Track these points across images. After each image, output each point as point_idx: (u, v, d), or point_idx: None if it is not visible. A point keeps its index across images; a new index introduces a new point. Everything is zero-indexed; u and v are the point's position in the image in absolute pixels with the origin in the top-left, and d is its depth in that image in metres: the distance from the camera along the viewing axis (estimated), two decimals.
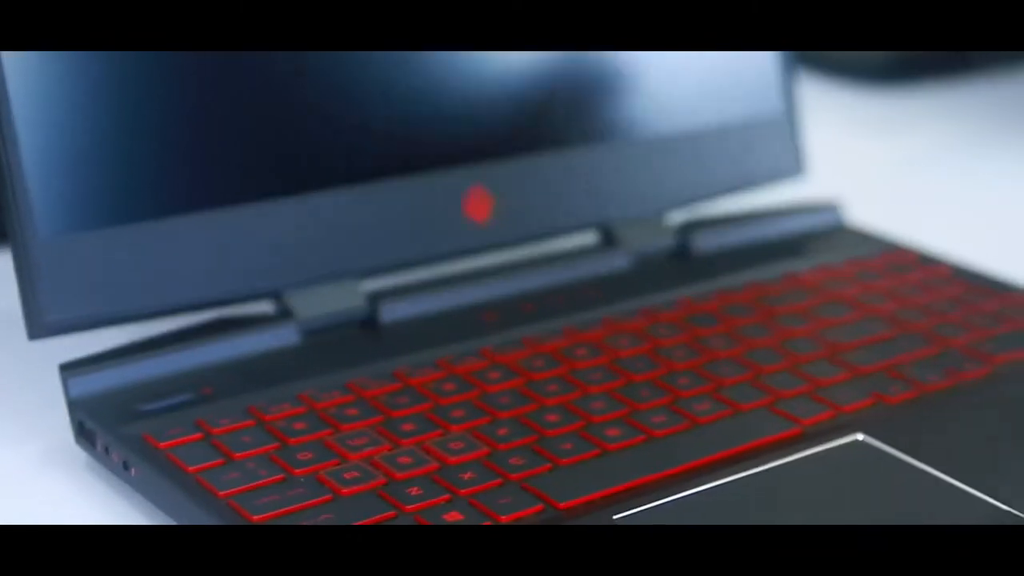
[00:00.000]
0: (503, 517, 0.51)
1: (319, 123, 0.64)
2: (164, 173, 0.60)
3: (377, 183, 0.65)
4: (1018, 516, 0.52)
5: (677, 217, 0.74)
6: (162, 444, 0.55)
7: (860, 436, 0.57)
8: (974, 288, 0.69)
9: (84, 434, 0.57)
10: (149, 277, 0.60)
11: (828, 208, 0.76)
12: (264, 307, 0.63)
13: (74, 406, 0.57)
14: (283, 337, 0.62)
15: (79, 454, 0.58)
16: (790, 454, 0.55)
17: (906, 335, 0.65)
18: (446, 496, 0.52)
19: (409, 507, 0.51)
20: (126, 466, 0.55)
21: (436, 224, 0.66)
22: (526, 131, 0.69)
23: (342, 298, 0.64)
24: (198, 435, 0.55)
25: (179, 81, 0.60)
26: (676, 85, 0.73)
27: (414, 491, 0.52)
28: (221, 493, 0.52)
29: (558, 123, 0.70)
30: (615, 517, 0.51)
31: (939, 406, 0.59)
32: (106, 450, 0.56)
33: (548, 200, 0.69)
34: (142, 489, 0.55)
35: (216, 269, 0.61)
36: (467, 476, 0.53)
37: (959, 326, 0.65)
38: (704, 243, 0.72)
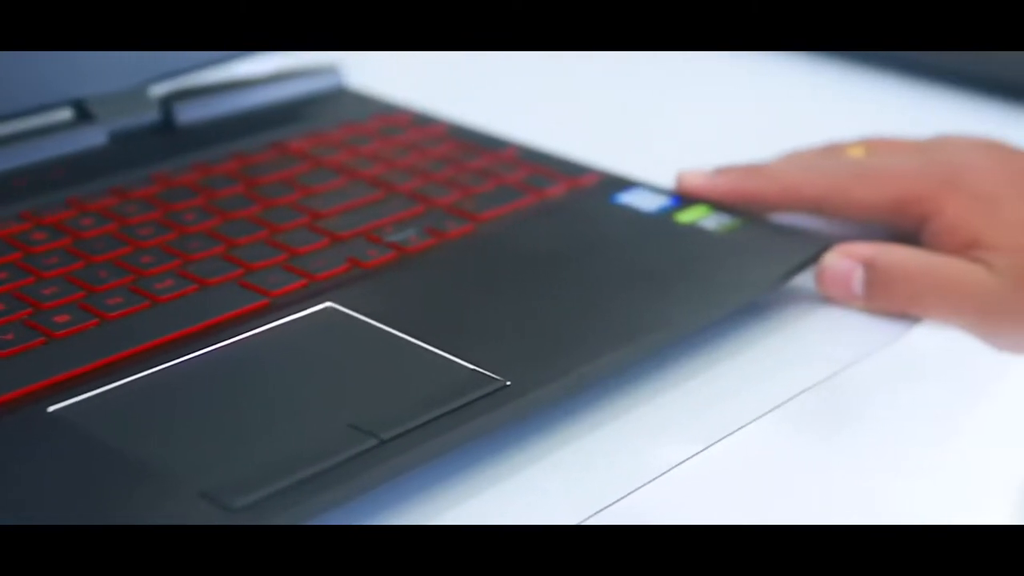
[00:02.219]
0: None
1: None
2: None
3: None
4: (484, 374, 0.50)
5: (163, 89, 0.69)
6: None
7: (330, 304, 0.54)
8: (466, 146, 0.67)
9: None
10: None
11: (325, 72, 0.73)
12: None
13: None
14: None
15: None
16: (256, 327, 0.53)
17: (391, 197, 0.62)
18: None
19: None
20: None
21: None
22: None
23: None
24: None
25: None
26: None
27: None
28: None
29: None
30: (51, 408, 0.48)
31: (417, 268, 0.57)
32: None
33: (12, 76, 0.64)
34: None
35: None
36: None
37: (446, 185, 0.63)
38: (188, 114, 0.68)
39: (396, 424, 0.47)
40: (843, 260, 0.60)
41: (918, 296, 0.59)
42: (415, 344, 0.52)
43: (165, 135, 0.67)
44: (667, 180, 0.64)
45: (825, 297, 0.60)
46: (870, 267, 0.59)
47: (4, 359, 0.50)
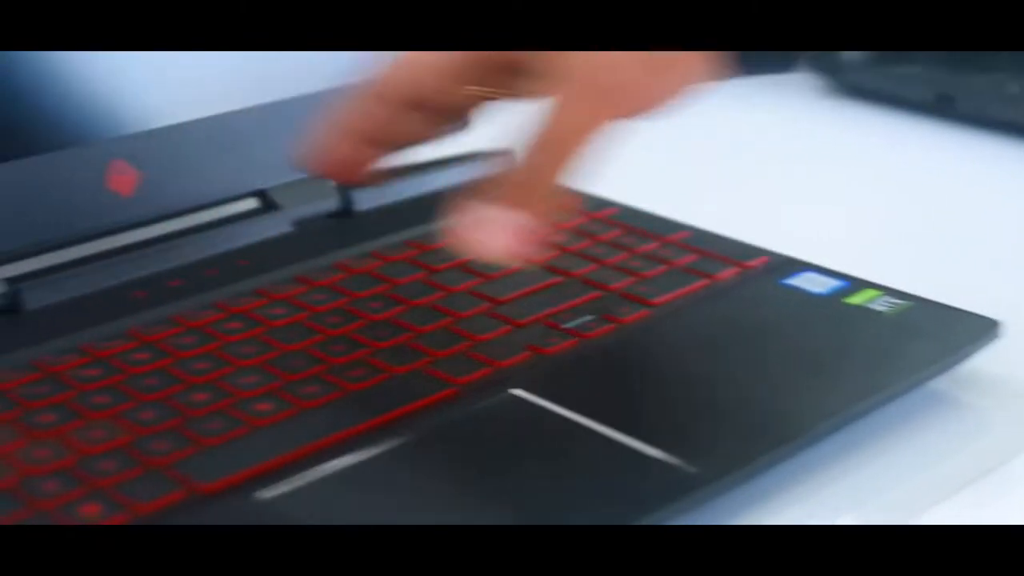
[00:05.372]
0: (142, 506, 0.49)
1: None
2: None
3: (11, 163, 0.61)
4: (669, 462, 0.51)
5: None
6: None
7: (515, 391, 0.56)
8: (636, 230, 0.69)
9: None
10: None
11: (497, 155, 0.75)
12: None
13: None
14: None
15: None
16: (444, 415, 0.55)
17: (566, 284, 0.64)
18: (82, 489, 0.50)
19: (43, 503, 0.49)
20: None
21: (79, 201, 0.63)
22: (170, 100, 0.66)
23: None
24: None
25: None
26: None
27: (49, 486, 0.50)
28: None
29: (204, 90, 0.67)
30: (260, 495, 0.50)
31: (597, 354, 0.59)
32: None
33: (199, 169, 0.67)
34: None
35: None
36: (107, 466, 0.51)
37: (619, 271, 0.65)
38: (367, 201, 0.71)
39: (587, 510, 0.49)
40: None
41: None
42: (600, 431, 0.53)
43: (344, 222, 0.70)
44: (835, 259, 0.66)
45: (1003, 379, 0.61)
46: None
47: (212, 447, 0.52)
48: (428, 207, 0.71)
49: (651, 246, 0.67)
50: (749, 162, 0.85)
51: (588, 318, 0.61)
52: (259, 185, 0.69)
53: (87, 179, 0.63)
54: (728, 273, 0.65)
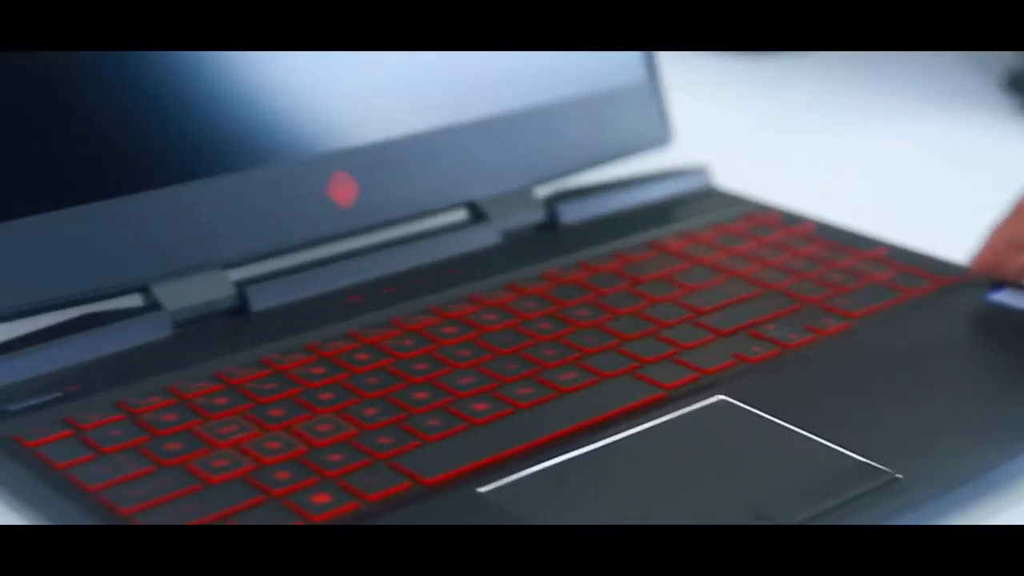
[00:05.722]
0: (370, 496, 0.52)
1: (180, 115, 0.64)
2: (26, 171, 0.60)
3: (240, 173, 0.65)
4: (875, 467, 0.53)
5: (546, 190, 0.74)
6: (30, 443, 0.55)
7: (722, 397, 0.58)
8: (833, 245, 0.71)
9: None
10: (14, 275, 0.60)
11: (695, 172, 0.78)
12: (133, 301, 0.63)
13: None
14: (152, 330, 0.62)
15: None
16: (654, 418, 0.57)
17: (767, 295, 0.66)
18: (314, 479, 0.53)
19: (277, 491, 0.52)
20: None
21: (302, 211, 0.67)
22: (387, 114, 0.69)
23: (210, 288, 0.64)
24: (67, 432, 0.55)
25: (39, 77, 0.60)
26: (538, 58, 0.74)
27: (282, 475, 0.53)
28: (91, 488, 0.52)
29: (419, 105, 0.70)
30: (480, 490, 0.52)
31: (799, 363, 0.61)
32: None
33: (413, 181, 0.70)
34: (14, 490, 0.55)
35: (82, 265, 0.61)
36: (335, 458, 0.54)
37: (819, 283, 0.67)
38: (571, 214, 0.73)
39: (796, 512, 0.51)
40: None
41: None
42: (806, 436, 0.55)
43: (550, 234, 0.73)
44: None
45: None
46: None
47: (432, 443, 0.55)
48: (628, 221, 0.73)
49: (849, 260, 0.69)
50: (946, 179, 0.86)
51: (790, 329, 0.63)
52: (469, 197, 0.71)
53: (310, 189, 0.66)
54: (927, 288, 0.66)
